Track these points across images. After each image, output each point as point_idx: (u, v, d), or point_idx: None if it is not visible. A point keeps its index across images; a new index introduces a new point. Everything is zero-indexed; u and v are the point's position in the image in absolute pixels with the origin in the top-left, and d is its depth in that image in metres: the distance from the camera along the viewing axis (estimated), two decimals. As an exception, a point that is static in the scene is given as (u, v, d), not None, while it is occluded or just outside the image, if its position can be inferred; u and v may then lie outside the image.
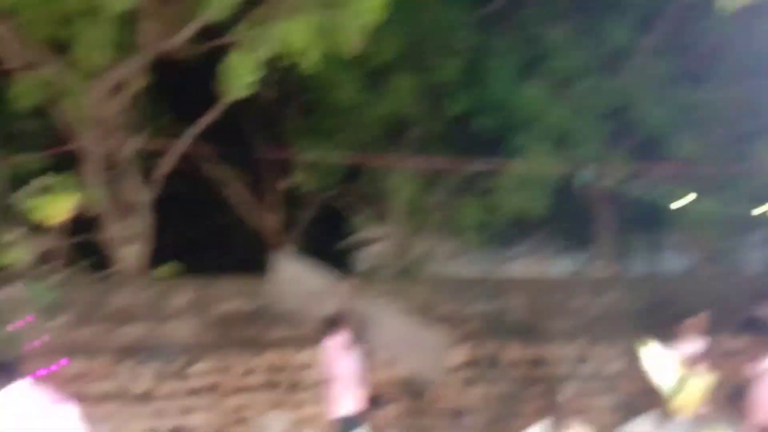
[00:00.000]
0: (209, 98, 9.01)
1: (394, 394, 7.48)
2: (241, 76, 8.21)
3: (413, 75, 10.60)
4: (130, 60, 8.98)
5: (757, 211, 8.78)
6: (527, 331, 9.43)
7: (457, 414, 6.67)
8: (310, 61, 8.20)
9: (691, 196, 9.02)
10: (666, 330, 8.68)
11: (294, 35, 7.95)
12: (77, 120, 9.09)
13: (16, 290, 7.79)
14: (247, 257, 13.70)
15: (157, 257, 9.35)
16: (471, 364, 9.22)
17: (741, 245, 12.77)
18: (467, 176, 11.61)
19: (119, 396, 8.20)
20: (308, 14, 7.95)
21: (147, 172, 10.22)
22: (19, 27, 8.51)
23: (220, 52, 8.53)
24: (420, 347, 7.49)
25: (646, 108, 10.50)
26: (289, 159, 11.03)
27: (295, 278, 8.66)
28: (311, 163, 11.00)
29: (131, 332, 8.33)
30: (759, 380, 4.97)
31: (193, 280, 8.83)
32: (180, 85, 10.44)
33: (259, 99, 10.37)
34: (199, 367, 8.47)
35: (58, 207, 8.26)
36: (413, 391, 8.34)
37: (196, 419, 8.27)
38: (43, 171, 8.71)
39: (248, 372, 8.61)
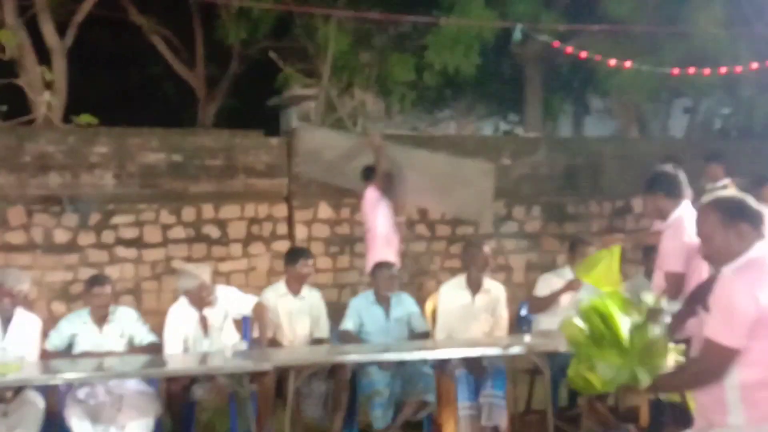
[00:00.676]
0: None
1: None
2: None
3: None
4: None
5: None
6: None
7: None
8: None
9: (620, 60, 9.00)
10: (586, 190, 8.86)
11: None
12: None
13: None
14: (173, 110, 13.43)
15: (79, 107, 9.04)
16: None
17: (667, 111, 12.95)
18: (400, 33, 11.39)
19: (38, 246, 8.10)
20: None
21: (66, 17, 9.84)
22: None
23: None
24: (464, 183, 7.19)
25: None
26: (216, 6, 10.62)
27: (320, 145, 8.41)
28: (238, 12, 10.62)
29: (49, 181, 8.13)
30: (666, 233, 5.14)
31: (114, 130, 8.58)
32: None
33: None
34: (121, 219, 8.38)
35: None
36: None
37: (118, 271, 8.25)
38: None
39: (171, 225, 8.56)
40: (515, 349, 5.86)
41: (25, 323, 5.65)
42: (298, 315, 6.46)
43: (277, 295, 6.49)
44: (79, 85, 10.03)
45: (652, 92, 10.64)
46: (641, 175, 5.97)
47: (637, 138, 12.28)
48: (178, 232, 8.55)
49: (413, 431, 6.23)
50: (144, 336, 5.96)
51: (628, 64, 8.94)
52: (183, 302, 6.06)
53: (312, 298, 6.58)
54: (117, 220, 8.35)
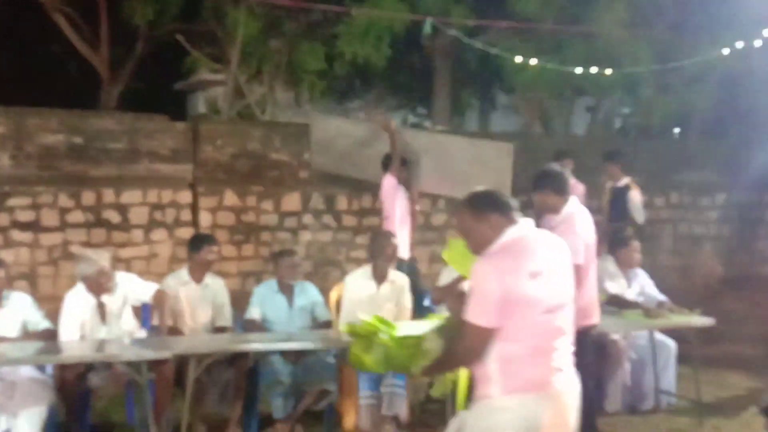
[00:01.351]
0: None
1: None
2: None
3: None
4: None
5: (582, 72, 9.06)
6: (359, 180, 9.54)
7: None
8: None
9: (526, 57, 9.19)
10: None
11: None
12: None
13: None
14: (76, 91, 13.05)
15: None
16: (303, 210, 9.32)
17: (570, 109, 13.27)
18: (311, 21, 11.35)
19: (-73, 227, 7.78)
20: None
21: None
22: None
23: None
24: (482, 164, 6.98)
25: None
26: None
27: (333, 134, 8.13)
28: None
29: (-59, 161, 7.82)
30: (559, 230, 5.30)
31: (12, 109, 8.29)
32: None
33: None
34: (17, 201, 8.11)
35: None
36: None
37: (13, 255, 7.98)
38: None
39: (70, 209, 8.33)
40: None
41: None
42: (200, 303, 6.37)
43: (179, 282, 6.39)
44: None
45: (556, 90, 10.90)
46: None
47: (540, 134, 12.53)
48: (77, 217, 8.33)
49: (314, 421, 6.24)
50: (38, 322, 5.78)
51: (533, 61, 9.12)
52: (80, 288, 5.90)
53: (215, 286, 6.49)
54: (13, 202, 8.08)
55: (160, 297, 6.05)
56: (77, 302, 5.81)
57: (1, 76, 11.45)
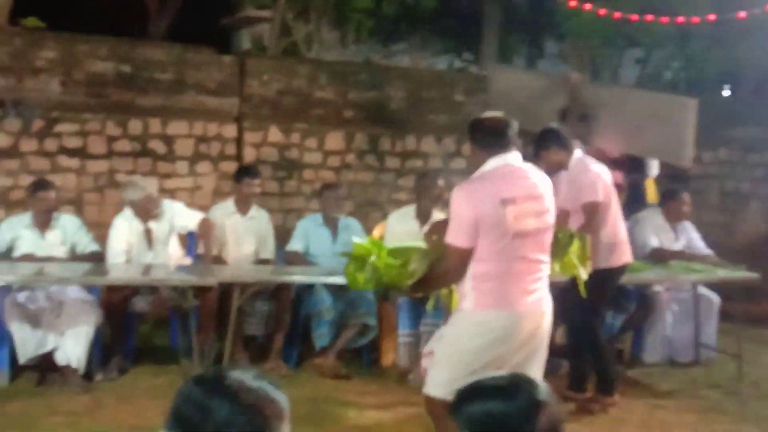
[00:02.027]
0: None
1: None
2: None
3: None
4: None
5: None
6: (404, 122, 9.49)
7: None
8: None
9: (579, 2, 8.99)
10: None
11: None
12: None
13: None
14: (123, 21, 13.03)
15: (26, 9, 8.69)
16: (347, 150, 9.29)
17: (619, 61, 13.02)
18: (360, -41, 11.22)
19: (-22, 149, 7.87)
20: None
21: None
22: None
23: None
24: (663, 120, 6.87)
25: None
26: None
27: (513, 86, 8.01)
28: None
29: (-8, 84, 7.87)
30: (572, 173, 5.37)
31: (62, 35, 8.30)
32: None
33: None
34: (66, 127, 8.16)
35: None
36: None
37: (60, 180, 8.05)
38: None
39: (117, 137, 8.37)
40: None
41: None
42: (244, 234, 6.43)
43: (224, 212, 6.44)
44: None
45: (607, 38, 10.68)
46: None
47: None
48: (124, 145, 8.37)
49: (353, 357, 6.30)
50: (87, 244, 5.88)
51: (588, 6, 8.94)
52: (128, 213, 5.97)
53: (260, 218, 6.54)
54: (61, 128, 8.13)
55: (205, 226, 6.11)
56: (124, 226, 5.89)
57: (52, 3, 11.44)
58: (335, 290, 6.07)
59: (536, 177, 3.82)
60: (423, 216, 6.38)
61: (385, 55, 15.13)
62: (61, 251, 5.75)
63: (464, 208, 3.64)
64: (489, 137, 3.75)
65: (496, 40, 12.06)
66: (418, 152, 9.50)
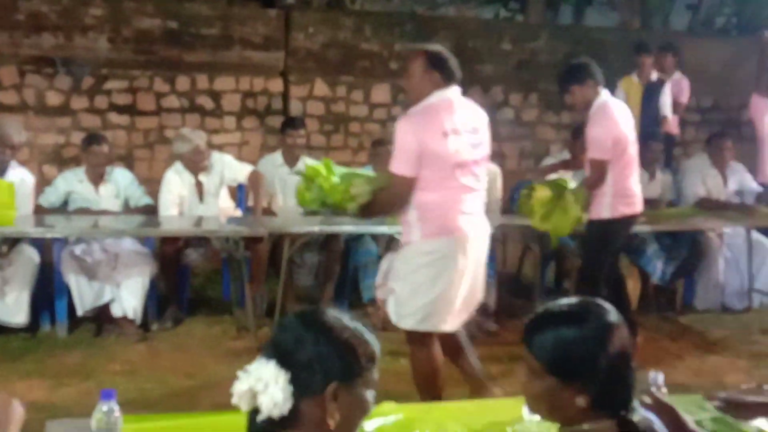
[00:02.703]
0: None
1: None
2: None
3: None
4: None
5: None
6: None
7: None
8: None
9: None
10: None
11: None
12: None
13: None
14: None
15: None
16: (393, 103, 9.26)
17: (670, 7, 12.74)
18: None
19: (31, 108, 7.99)
20: None
21: None
22: None
23: None
24: None
25: None
26: None
27: (704, 54, 7.69)
28: None
29: (43, 42, 7.96)
30: (590, 121, 5.21)
31: (109, -8, 8.36)
32: None
33: None
34: (114, 84, 8.25)
35: None
36: None
37: (111, 137, 8.15)
38: None
39: (165, 93, 8.44)
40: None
41: (20, 177, 5.61)
42: (293, 185, 6.44)
43: (273, 165, 6.49)
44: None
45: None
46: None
47: (639, 29, 12.08)
48: (172, 101, 8.44)
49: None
50: (140, 198, 5.98)
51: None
52: (178, 167, 6.05)
53: (308, 170, 6.56)
54: (110, 85, 8.22)
55: (255, 178, 6.16)
56: (175, 179, 5.97)
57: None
58: (384, 242, 6.10)
59: (475, 111, 4.04)
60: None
61: (430, 7, 14.98)
62: (114, 204, 5.85)
63: (409, 139, 3.80)
64: (444, 69, 3.91)
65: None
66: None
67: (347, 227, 5.92)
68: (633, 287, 6.45)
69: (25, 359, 5.09)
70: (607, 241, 5.21)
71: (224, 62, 8.62)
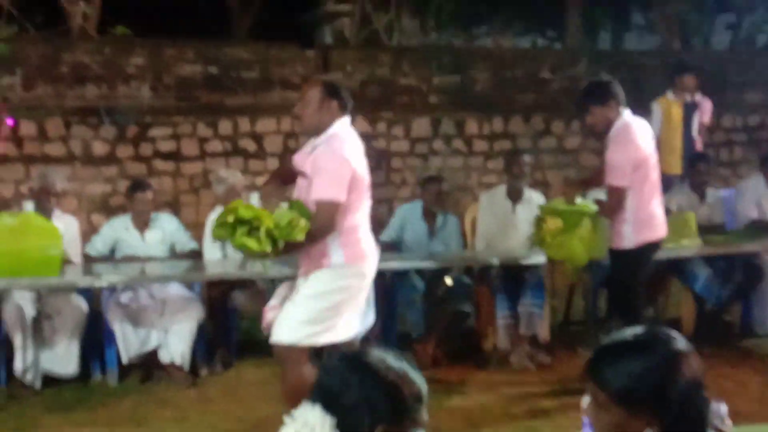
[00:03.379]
0: None
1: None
2: None
3: None
4: None
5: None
6: (490, 104, 9.38)
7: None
8: None
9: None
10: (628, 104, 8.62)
11: None
12: None
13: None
14: (206, 22, 13.26)
15: (113, 16, 8.90)
16: (434, 136, 9.24)
17: (710, 27, 12.60)
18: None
19: (77, 158, 8.12)
20: None
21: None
22: None
23: None
24: None
25: None
26: None
27: None
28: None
29: (86, 92, 8.11)
30: (611, 145, 5.05)
31: (149, 41, 8.50)
32: None
33: None
34: (158, 131, 8.36)
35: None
36: None
37: (156, 183, 8.24)
38: None
39: (208, 138, 8.53)
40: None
41: (64, 224, 5.64)
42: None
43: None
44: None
45: (696, 4, 10.33)
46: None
47: (679, 50, 11.98)
48: (215, 146, 8.53)
49: (451, 343, 6.23)
50: (186, 243, 5.99)
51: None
52: (220, 210, 6.05)
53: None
54: (154, 132, 8.33)
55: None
56: (219, 223, 5.97)
57: (136, 7, 11.69)
58: (429, 278, 6.04)
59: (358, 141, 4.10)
60: (514, 195, 6.28)
61: (467, 39, 15.00)
62: (161, 250, 5.87)
63: (344, 164, 3.87)
64: (341, 98, 4.03)
65: (579, 16, 11.79)
66: (506, 133, 9.38)
67: (393, 263, 5.88)
68: (688, 313, 6.31)
69: (77, 409, 5.10)
70: (634, 271, 5.06)
71: (265, 104, 8.71)
